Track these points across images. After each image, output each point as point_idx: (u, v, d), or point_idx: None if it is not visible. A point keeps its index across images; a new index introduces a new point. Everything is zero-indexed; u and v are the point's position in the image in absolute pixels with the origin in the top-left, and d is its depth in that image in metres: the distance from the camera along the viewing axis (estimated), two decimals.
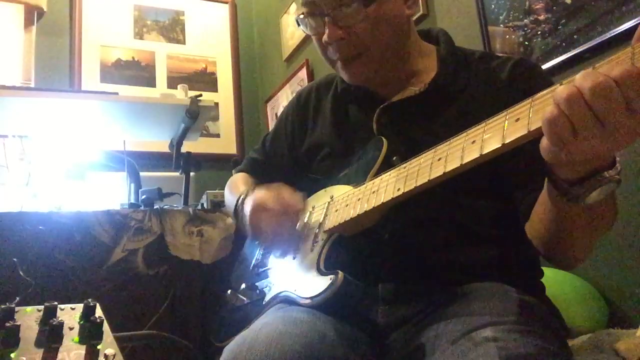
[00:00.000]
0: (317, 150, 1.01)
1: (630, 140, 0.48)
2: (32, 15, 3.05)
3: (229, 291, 1.04)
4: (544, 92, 0.54)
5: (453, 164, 0.64)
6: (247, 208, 0.91)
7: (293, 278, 0.85)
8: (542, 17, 1.52)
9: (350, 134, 0.97)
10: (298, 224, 0.87)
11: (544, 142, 0.52)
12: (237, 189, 1.07)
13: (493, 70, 0.90)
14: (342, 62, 0.90)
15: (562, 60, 1.43)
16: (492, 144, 0.59)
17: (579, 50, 1.39)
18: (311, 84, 1.13)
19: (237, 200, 0.98)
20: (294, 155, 1.09)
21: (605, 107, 0.46)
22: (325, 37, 0.87)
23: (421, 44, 0.97)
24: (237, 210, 0.97)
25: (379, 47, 0.87)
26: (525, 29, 1.57)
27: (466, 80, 0.90)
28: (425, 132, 0.88)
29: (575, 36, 1.41)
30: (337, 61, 0.91)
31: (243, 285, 1.00)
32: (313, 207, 0.95)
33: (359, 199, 0.81)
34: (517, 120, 0.56)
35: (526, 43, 1.57)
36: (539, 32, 1.52)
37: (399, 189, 0.72)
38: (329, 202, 0.90)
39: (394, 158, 0.84)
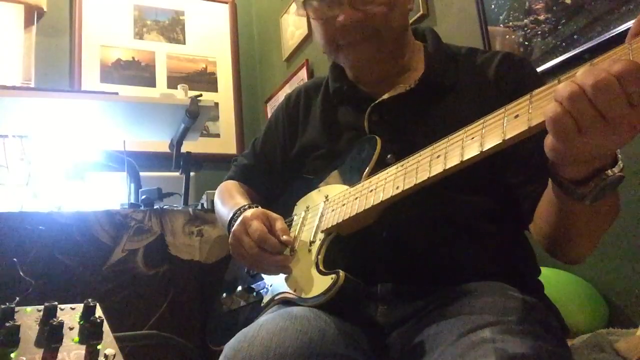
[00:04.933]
0: (309, 151, 1.01)
1: (632, 134, 0.49)
2: (32, 15, 3.05)
3: (224, 294, 1.03)
4: (543, 88, 0.55)
5: (453, 161, 0.63)
6: (234, 227, 0.89)
7: (291, 279, 0.85)
8: (542, 17, 1.52)
9: (342, 134, 0.97)
10: (280, 256, 0.85)
11: (549, 141, 0.53)
12: (231, 200, 1.04)
13: (481, 65, 0.91)
14: (352, 45, 0.90)
15: (562, 60, 1.43)
16: (493, 141, 0.59)
17: (579, 50, 1.39)
18: (299, 87, 1.13)
19: (233, 215, 0.96)
20: (285, 158, 1.08)
21: (607, 103, 0.47)
22: (341, 20, 0.87)
23: (413, 41, 0.99)
24: (231, 226, 0.94)
25: (389, 32, 0.89)
26: (525, 29, 1.57)
27: (454, 76, 0.91)
28: (417, 128, 0.88)
29: (575, 36, 1.41)
30: (344, 46, 0.91)
31: (239, 288, 0.99)
32: (307, 208, 0.94)
33: (356, 198, 0.80)
34: (517, 116, 0.56)
35: (526, 43, 1.57)
36: (539, 32, 1.52)
37: (397, 187, 0.72)
38: (324, 202, 0.90)
39: (388, 156, 0.85)
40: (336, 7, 0.88)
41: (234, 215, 0.95)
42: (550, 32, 1.48)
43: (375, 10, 0.87)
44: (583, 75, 0.48)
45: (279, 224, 0.86)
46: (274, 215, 0.88)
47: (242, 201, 1.01)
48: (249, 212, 0.88)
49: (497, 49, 1.67)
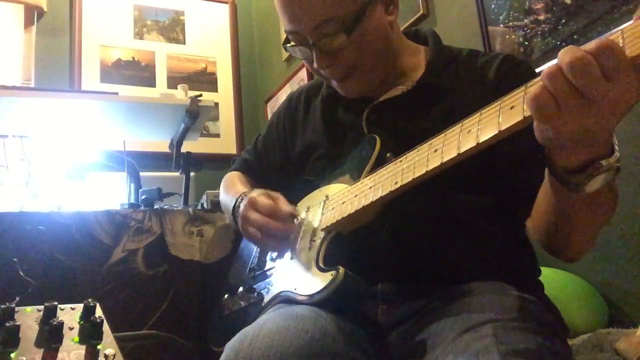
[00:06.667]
0: (310, 152, 1.02)
1: (615, 114, 0.50)
2: (32, 15, 3.05)
3: (225, 296, 1.04)
4: (536, 79, 0.55)
5: (450, 154, 0.64)
6: (241, 209, 0.93)
7: (292, 277, 0.85)
8: (542, 17, 1.52)
9: (341, 135, 0.98)
10: (290, 224, 0.88)
11: (534, 123, 0.54)
12: (234, 188, 1.07)
13: (481, 68, 0.91)
14: (335, 81, 0.93)
15: None
16: (489, 132, 0.59)
17: None
18: (301, 87, 1.15)
19: (235, 201, 0.98)
20: (286, 158, 1.10)
21: (583, 79, 0.48)
22: (314, 65, 0.90)
23: (407, 43, 0.99)
24: (235, 211, 0.97)
25: (367, 62, 0.89)
26: (525, 29, 1.57)
27: (454, 78, 0.91)
28: (415, 128, 0.88)
29: (575, 36, 1.41)
30: (331, 80, 0.94)
31: (240, 289, 0.99)
32: (308, 207, 0.95)
33: (355, 195, 0.81)
34: (512, 107, 0.57)
35: (526, 43, 1.57)
36: (539, 32, 1.52)
37: (396, 182, 0.72)
38: (324, 201, 0.90)
39: (387, 155, 0.85)
40: (309, 52, 0.89)
41: (236, 201, 0.98)
42: (550, 32, 1.48)
43: (345, 53, 0.87)
44: (562, 54, 0.49)
45: (282, 199, 0.90)
46: (275, 193, 0.92)
47: (243, 188, 1.04)
48: (254, 193, 0.92)
49: (497, 48, 1.67)
